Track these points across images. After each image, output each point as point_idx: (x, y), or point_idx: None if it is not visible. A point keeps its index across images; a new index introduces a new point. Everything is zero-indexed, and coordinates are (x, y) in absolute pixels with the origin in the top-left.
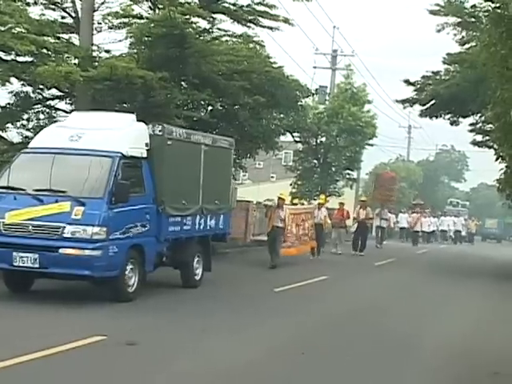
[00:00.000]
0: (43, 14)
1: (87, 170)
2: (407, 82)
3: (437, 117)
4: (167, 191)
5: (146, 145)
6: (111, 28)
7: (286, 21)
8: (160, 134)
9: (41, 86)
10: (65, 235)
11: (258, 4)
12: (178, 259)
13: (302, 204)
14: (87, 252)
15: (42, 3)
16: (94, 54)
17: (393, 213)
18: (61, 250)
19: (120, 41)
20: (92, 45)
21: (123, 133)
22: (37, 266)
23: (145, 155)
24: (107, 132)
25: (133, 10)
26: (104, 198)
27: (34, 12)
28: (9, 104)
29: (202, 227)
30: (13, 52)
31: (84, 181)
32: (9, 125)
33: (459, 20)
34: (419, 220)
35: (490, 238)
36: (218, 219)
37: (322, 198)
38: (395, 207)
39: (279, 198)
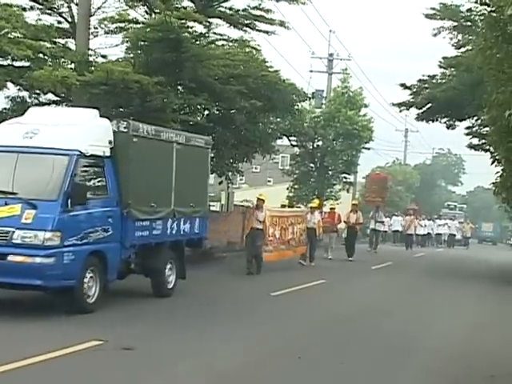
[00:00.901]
0: (39, 19)
1: (41, 169)
2: (403, 85)
3: (433, 120)
4: (133, 193)
5: (110, 142)
6: (107, 33)
7: (281, 24)
8: (125, 130)
9: (37, 91)
10: (14, 241)
11: (254, 8)
12: (148, 266)
13: (299, 207)
14: (38, 259)
15: (38, 8)
16: (91, 58)
17: (387, 216)
18: (9, 258)
19: (116, 45)
20: (88, 49)
21: (83, 129)
22: None
23: (108, 154)
24: (65, 128)
25: (129, 14)
26: (58, 201)
27: (31, 17)
28: (5, 109)
29: (174, 232)
30: (9, 57)
31: (37, 181)
32: None
33: (455, 24)
34: (412, 223)
35: (486, 240)
36: (193, 223)
37: (314, 202)
38: (389, 209)
39: (258, 199)
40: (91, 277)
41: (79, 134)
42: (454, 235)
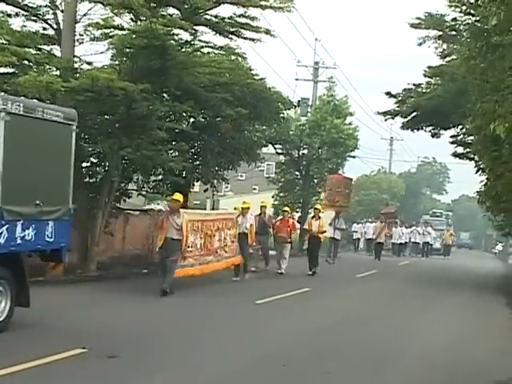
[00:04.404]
0: (24, 26)
1: None
2: (389, 94)
3: (418, 129)
4: None
5: None
6: (93, 40)
7: (267, 32)
8: None
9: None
10: None
11: (239, 16)
12: None
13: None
14: None
15: (23, 15)
16: (76, 65)
17: (359, 223)
18: None
19: (102, 52)
20: (74, 56)
21: None
22: None
23: None
24: None
25: (114, 21)
26: None
27: (16, 23)
28: None
29: (2, 241)
30: None
31: None
32: None
33: (440, 33)
34: (383, 230)
35: (464, 246)
36: (43, 229)
37: (246, 203)
38: (356, 215)
39: (173, 200)
40: None
41: None
42: (429, 243)
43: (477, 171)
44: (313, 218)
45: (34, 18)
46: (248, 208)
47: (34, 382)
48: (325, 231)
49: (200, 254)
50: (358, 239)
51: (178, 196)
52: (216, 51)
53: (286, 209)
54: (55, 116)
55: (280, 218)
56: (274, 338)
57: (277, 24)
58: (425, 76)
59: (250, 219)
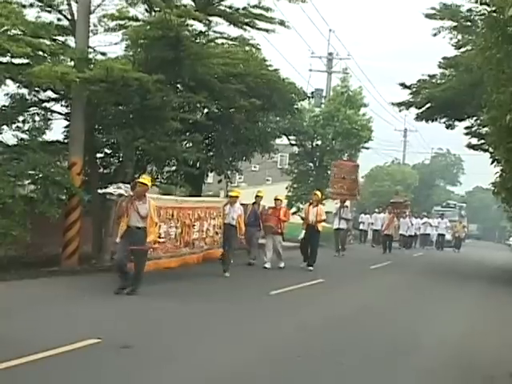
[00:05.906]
0: (39, 17)
1: None
2: (403, 85)
3: (432, 120)
4: None
5: None
6: (107, 30)
7: (281, 23)
8: None
9: (36, 88)
10: None
11: (253, 7)
12: None
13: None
14: None
15: (37, 5)
16: (90, 56)
17: (367, 213)
18: None
19: (116, 43)
20: (88, 47)
21: None
22: None
23: None
24: None
25: (128, 12)
26: None
27: (30, 14)
28: (4, 106)
29: None
30: (8, 54)
31: None
32: (4, 127)
33: (455, 24)
34: (392, 221)
35: (472, 237)
36: None
37: (234, 191)
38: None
39: (139, 184)
40: None
41: None
42: (443, 235)
43: (492, 162)
44: (310, 204)
45: (49, 9)
46: (237, 197)
47: (48, 372)
48: (323, 220)
49: (175, 245)
50: (365, 231)
51: (146, 179)
52: (230, 42)
53: (279, 197)
54: None
55: (272, 206)
56: (288, 329)
57: (291, 15)
58: (439, 67)
59: (239, 209)
